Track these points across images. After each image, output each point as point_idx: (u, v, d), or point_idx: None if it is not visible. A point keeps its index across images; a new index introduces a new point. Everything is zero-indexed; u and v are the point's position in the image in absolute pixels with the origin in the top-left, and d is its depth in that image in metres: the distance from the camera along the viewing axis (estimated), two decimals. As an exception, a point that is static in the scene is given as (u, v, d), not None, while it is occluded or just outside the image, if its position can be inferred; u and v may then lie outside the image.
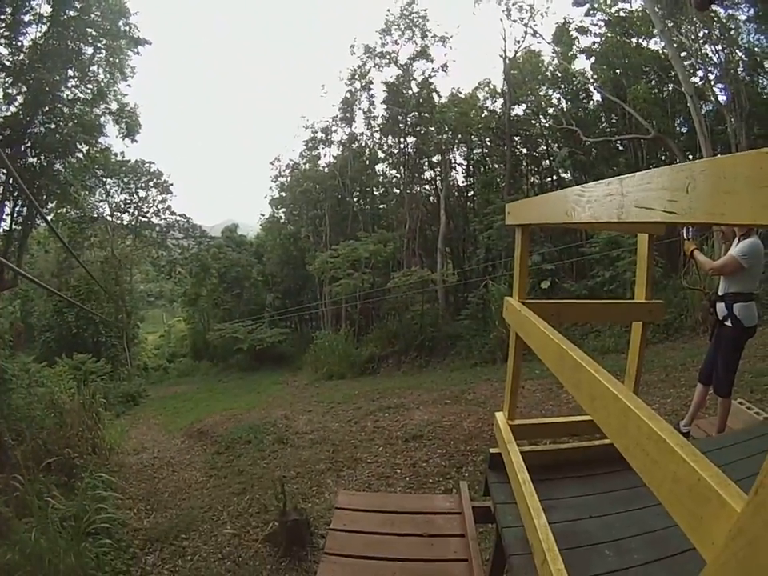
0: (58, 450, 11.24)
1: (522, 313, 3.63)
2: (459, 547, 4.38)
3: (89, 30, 16.32)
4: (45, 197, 15.99)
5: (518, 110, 29.73)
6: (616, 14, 24.99)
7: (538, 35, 27.95)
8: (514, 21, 27.80)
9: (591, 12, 25.62)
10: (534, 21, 27.80)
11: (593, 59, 26.53)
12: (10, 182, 15.11)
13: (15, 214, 15.88)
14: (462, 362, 20.77)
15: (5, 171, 14.92)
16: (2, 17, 14.16)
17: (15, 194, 15.58)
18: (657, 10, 20.16)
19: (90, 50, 16.68)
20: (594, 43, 26.27)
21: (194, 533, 9.09)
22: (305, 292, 36.26)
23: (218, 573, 7.78)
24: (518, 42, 28.49)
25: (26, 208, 16.07)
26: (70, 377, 19.18)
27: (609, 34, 25.44)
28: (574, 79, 27.39)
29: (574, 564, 2.66)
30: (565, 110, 28.08)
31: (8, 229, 15.63)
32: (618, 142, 26.00)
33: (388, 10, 30.95)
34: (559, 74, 28.07)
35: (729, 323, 5.63)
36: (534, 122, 29.59)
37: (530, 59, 29.08)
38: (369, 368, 23.95)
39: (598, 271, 20.46)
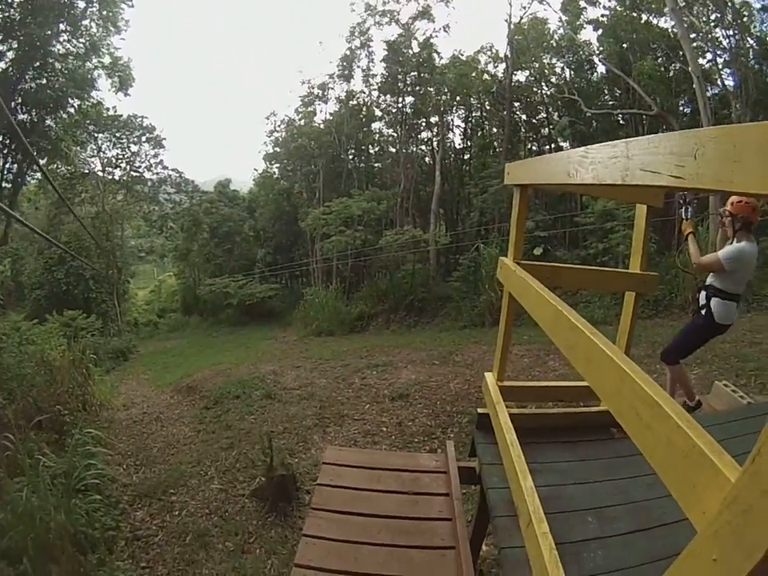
0: (49, 408, 11.23)
1: (517, 273, 3.64)
2: (444, 506, 4.39)
3: None
4: (36, 153, 15.74)
5: (520, 77, 29.52)
6: None
7: (545, 2, 27.50)
8: None
9: None
10: None
11: (600, 31, 26.18)
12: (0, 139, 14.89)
13: (5, 172, 15.67)
14: (452, 323, 20.88)
15: None
16: None
17: (5, 151, 15.36)
18: None
19: (82, 4, 16.43)
20: (602, 15, 25.91)
21: (182, 488, 9.15)
22: (296, 248, 36.12)
23: (205, 527, 7.83)
24: (524, 7, 28.11)
25: (16, 165, 15.89)
26: (61, 334, 19.13)
27: (618, 8, 25.07)
28: (579, 50, 27.09)
29: (556, 529, 2.66)
30: (568, 79, 27.87)
31: None
32: (620, 116, 25.80)
33: None
34: (564, 44, 27.72)
35: (703, 312, 5.64)
36: (535, 89, 29.41)
37: (535, 26, 28.58)
38: (358, 326, 24.08)
39: (591, 242, 20.47)
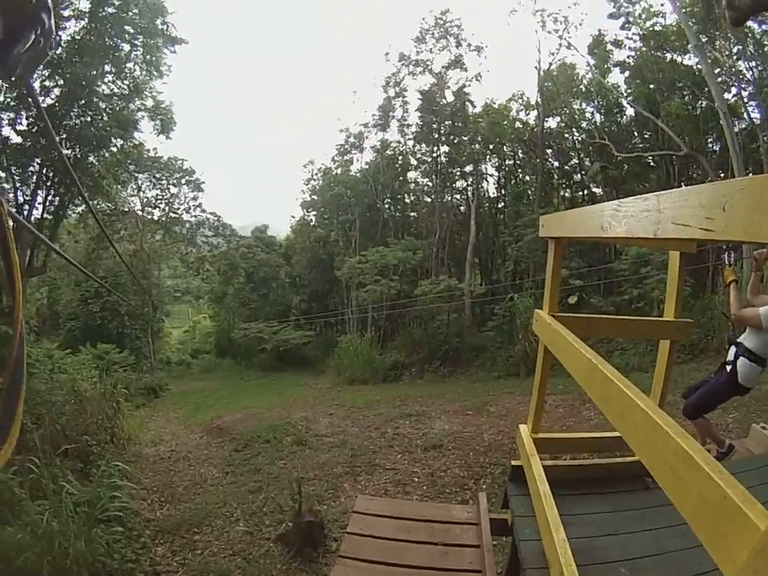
0: (76, 437, 11.36)
1: (553, 326, 3.60)
2: (474, 558, 4.34)
3: (126, 27, 16.50)
4: (78, 189, 16.13)
5: (552, 123, 29.66)
6: (651, 28, 24.61)
7: (572, 47, 27.74)
8: (549, 32, 27.71)
9: (626, 26, 25.24)
10: (569, 33, 27.69)
11: (627, 73, 26.25)
12: (44, 171, 15.26)
13: (47, 203, 16.05)
14: (486, 373, 20.75)
15: (39, 161, 15.09)
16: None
17: (48, 183, 15.75)
18: (691, 25, 19.89)
19: (126, 47, 16.86)
20: (628, 57, 26.02)
21: (206, 527, 9.11)
22: (331, 296, 36.29)
23: (228, 569, 7.76)
24: (553, 53, 28.46)
25: (57, 198, 16.24)
26: (93, 366, 19.27)
27: (643, 48, 25.07)
28: (607, 93, 27.05)
29: (588, 581, 2.62)
30: (598, 123, 27.88)
31: (39, 217, 15.79)
32: (650, 158, 25.67)
33: (423, 19, 30.80)
34: (593, 88, 27.80)
35: (728, 368, 5.54)
36: (566, 135, 29.46)
37: (564, 71, 28.84)
38: (392, 375, 23.96)
39: (626, 288, 20.26)
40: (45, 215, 16.25)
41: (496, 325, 22.97)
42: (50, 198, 16.20)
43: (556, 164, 30.41)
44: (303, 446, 13.15)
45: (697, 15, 20.56)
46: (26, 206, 15.19)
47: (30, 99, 11.92)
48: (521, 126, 30.78)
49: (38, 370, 13.59)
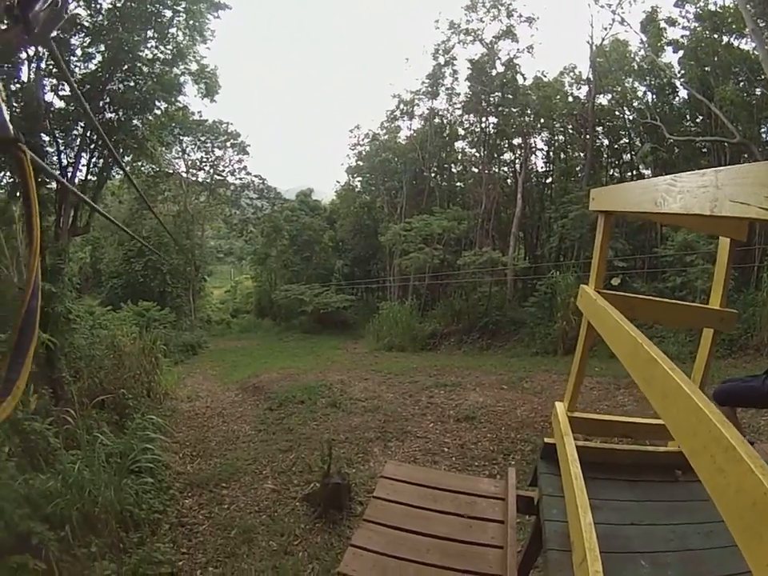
0: (114, 390, 11.66)
1: (598, 302, 3.51)
2: (497, 533, 4.28)
3: None
4: (121, 150, 16.27)
5: (603, 100, 28.85)
6: (706, 8, 23.61)
7: (625, 23, 26.91)
8: (602, 6, 26.84)
9: (680, 3, 24.32)
10: (622, 8, 26.78)
11: (681, 53, 25.18)
12: (87, 134, 15.39)
13: (91, 165, 16.23)
14: (524, 349, 20.58)
15: (83, 125, 15.23)
16: None
17: (92, 146, 15.89)
18: (749, 8, 19.10)
19: (168, 13, 16.76)
20: (682, 36, 25.02)
21: (234, 483, 9.27)
22: (374, 262, 36.28)
23: (252, 524, 7.88)
24: (605, 29, 27.65)
25: (101, 160, 16.40)
26: (134, 322, 19.65)
27: (698, 29, 24.11)
28: (660, 72, 26.12)
29: (608, 569, 2.53)
30: (650, 103, 27.04)
31: (83, 179, 15.98)
32: (702, 143, 24.92)
33: None
34: (646, 66, 26.87)
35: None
36: (617, 113, 28.67)
37: (617, 48, 28.07)
38: (430, 344, 23.93)
39: (669, 275, 19.81)
40: (89, 177, 16.40)
41: (537, 301, 22.62)
42: (93, 160, 16.33)
43: (606, 142, 29.67)
44: (337, 409, 13.32)
45: (755, -2, 19.69)
46: (70, 168, 15.31)
47: (54, 61, 11.88)
48: (572, 100, 30.13)
49: (79, 325, 13.81)
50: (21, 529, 5.69)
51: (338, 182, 41.94)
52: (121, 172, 18.37)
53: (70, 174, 15.18)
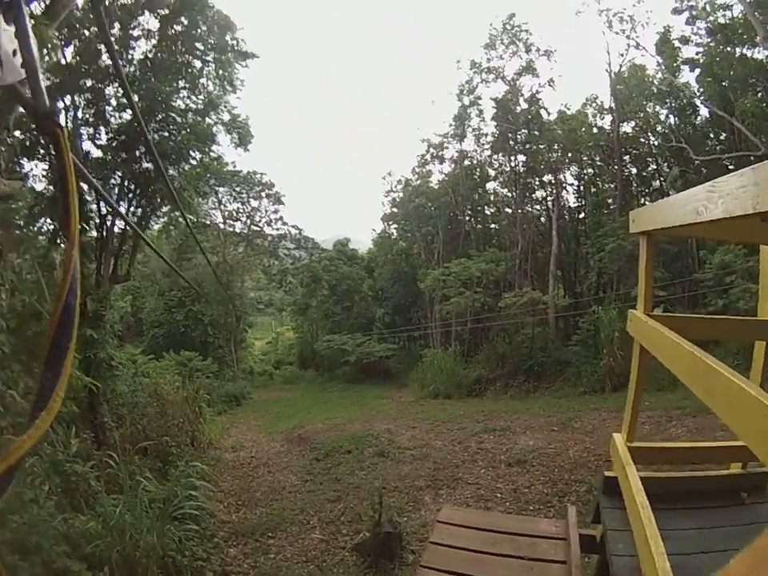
0: (157, 437, 11.68)
1: (649, 324, 3.43)
2: (560, 575, 4.10)
3: (196, 44, 16.87)
4: (159, 200, 16.62)
5: (627, 128, 28.89)
6: (716, 22, 23.53)
7: (641, 47, 26.94)
8: (616, 33, 27.06)
9: (691, 20, 24.31)
10: (636, 32, 26.87)
11: (697, 71, 25.18)
12: (125, 184, 15.72)
13: (130, 214, 16.53)
14: (571, 388, 20.30)
15: (120, 174, 15.68)
16: (112, 32, 14.80)
17: (130, 195, 16.23)
18: (757, 16, 18.97)
19: (198, 64, 17.22)
20: (697, 54, 24.95)
21: (281, 533, 9.12)
22: (415, 309, 36.18)
23: (299, 574, 7.75)
24: (622, 55, 27.70)
25: (140, 209, 16.74)
26: (176, 371, 19.68)
27: (711, 44, 24.04)
28: (680, 93, 26.11)
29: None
30: (673, 126, 26.96)
31: (123, 227, 16.29)
32: (728, 160, 24.58)
33: (490, 24, 30.57)
34: (665, 88, 26.85)
35: None
36: (642, 139, 28.60)
37: (634, 73, 28.14)
38: (476, 389, 23.62)
39: (710, 299, 19.43)
40: (127, 226, 16.73)
41: (580, 339, 22.41)
42: (131, 209, 16.66)
43: (634, 171, 29.56)
44: (385, 458, 13.15)
45: (763, 5, 19.49)
46: (109, 217, 15.60)
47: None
48: (596, 131, 30.14)
49: (121, 372, 13.96)
50: (57, 566, 5.60)
51: (374, 230, 42.36)
52: (159, 222, 18.71)
53: (109, 223, 15.43)
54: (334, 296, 38.02)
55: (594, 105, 30.73)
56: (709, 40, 24.12)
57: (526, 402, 19.81)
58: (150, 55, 16.26)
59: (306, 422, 19.08)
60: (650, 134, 28.33)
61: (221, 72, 18.33)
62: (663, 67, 26.39)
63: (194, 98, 17.81)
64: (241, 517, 10.01)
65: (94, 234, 14.86)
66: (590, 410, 15.78)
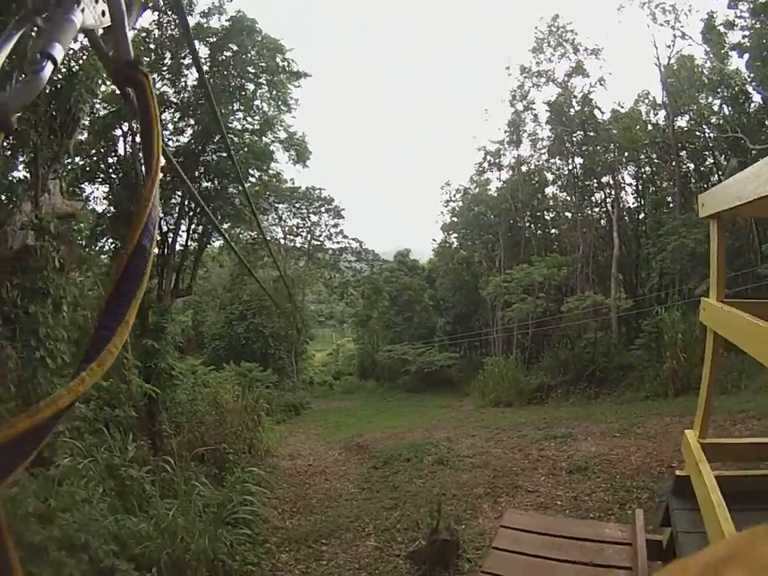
0: (214, 444, 11.84)
1: (725, 309, 3.22)
2: (626, 581, 3.84)
3: (248, 68, 17.16)
4: (220, 217, 16.94)
5: (681, 122, 28.26)
6: (758, 1, 22.52)
7: (687, 37, 26.48)
8: (661, 24, 26.63)
9: (732, 3, 23.48)
10: (680, 22, 26.47)
11: (746, 56, 24.18)
12: (185, 203, 16.06)
13: (191, 232, 16.91)
14: (633, 393, 19.87)
15: (180, 194, 16.22)
16: (163, 61, 15.24)
17: (191, 213, 16.58)
18: None
19: (251, 86, 17.56)
20: (743, 37, 24.16)
21: (335, 540, 9.07)
22: (476, 317, 35.85)
23: (351, 581, 7.64)
24: (669, 46, 27.29)
25: (201, 227, 17.07)
26: (236, 382, 19.89)
27: (757, 25, 23.14)
28: (730, 81, 25.30)
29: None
30: (727, 116, 26.17)
31: (184, 244, 16.65)
32: None
33: (536, 28, 30.54)
34: (715, 77, 26.07)
35: None
36: (698, 132, 27.84)
37: (683, 64, 27.41)
38: (537, 397, 23.34)
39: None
40: (189, 242, 17.07)
41: (643, 342, 22.03)
42: (193, 226, 17.01)
43: (692, 166, 28.92)
44: (444, 466, 13.05)
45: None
46: (170, 234, 16.00)
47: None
48: (651, 128, 29.58)
49: (181, 382, 14.21)
50: (104, 565, 5.64)
51: (434, 240, 42.17)
52: (220, 238, 19.04)
53: (170, 240, 15.91)
54: (395, 307, 38.05)
55: (646, 101, 30.27)
56: (754, 21, 23.31)
57: (588, 408, 19.48)
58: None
59: (365, 430, 19.09)
60: (704, 126, 27.56)
61: (274, 93, 18.67)
62: (711, 55, 25.80)
63: (249, 119, 18.16)
64: (295, 523, 10.01)
65: (156, 250, 15.26)
66: (653, 414, 15.38)
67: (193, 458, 10.53)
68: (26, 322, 6.74)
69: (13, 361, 6.45)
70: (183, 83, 16.28)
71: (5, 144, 7.21)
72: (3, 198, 7.51)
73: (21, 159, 8.17)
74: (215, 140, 16.38)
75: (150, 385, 10.90)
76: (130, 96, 0.96)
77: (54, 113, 8.13)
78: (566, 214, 33.24)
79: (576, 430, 15.04)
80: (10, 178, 7.82)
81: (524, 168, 33.63)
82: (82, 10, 0.78)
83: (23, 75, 0.68)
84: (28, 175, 8.01)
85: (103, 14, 0.87)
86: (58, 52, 0.71)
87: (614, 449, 12.36)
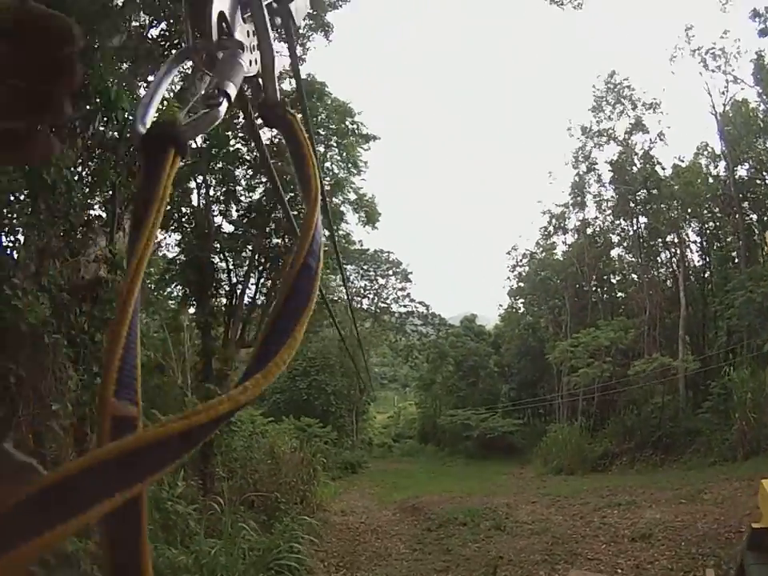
0: (266, 492, 11.81)
1: None
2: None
3: (318, 130, 17.59)
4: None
5: (741, 171, 27.59)
6: None
7: (739, 80, 26.26)
8: (713, 71, 26.56)
9: None
10: (731, 65, 26.32)
11: None
12: (255, 257, 16.43)
13: (260, 285, 17.30)
14: (700, 459, 19.30)
15: (251, 248, 16.99)
16: (236, 121, 15.96)
17: (260, 268, 16.94)
18: None
19: (321, 148, 17.96)
20: None
21: (380, 598, 8.88)
22: (541, 384, 35.32)
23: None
24: (723, 93, 27.07)
25: (270, 281, 17.44)
26: (294, 435, 19.91)
27: None
28: None
29: None
30: None
31: (252, 297, 17.01)
32: None
33: (593, 86, 30.84)
34: None
35: None
36: (758, 180, 27.07)
37: (738, 110, 27.07)
38: (601, 464, 22.86)
39: None
40: (257, 296, 17.42)
41: (711, 405, 21.47)
42: (262, 280, 17.36)
43: (754, 217, 27.90)
44: (501, 531, 12.86)
45: None
46: (239, 286, 16.37)
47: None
48: (712, 180, 29.03)
49: (239, 428, 14.33)
50: None
51: (500, 305, 41.98)
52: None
53: (239, 291, 16.45)
54: (460, 372, 37.64)
55: (705, 153, 29.79)
56: None
57: (653, 475, 18.99)
58: (275, 140, 17.33)
59: (421, 493, 18.81)
60: (764, 173, 26.97)
61: (344, 155, 19.06)
62: (764, 96, 25.53)
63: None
64: (340, 577, 9.87)
65: (224, 300, 16.08)
66: (721, 480, 14.95)
67: (242, 502, 10.58)
68: (92, 349, 6.96)
69: (73, 382, 6.66)
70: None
71: (85, 181, 7.81)
72: (78, 231, 7.76)
73: (98, 197, 8.63)
74: (287, 198, 16.88)
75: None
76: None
77: (133, 156, 8.31)
78: (632, 275, 32.81)
79: (640, 497, 14.66)
80: (87, 216, 8.13)
81: (589, 230, 33.50)
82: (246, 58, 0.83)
83: (203, 109, 0.71)
84: (103, 214, 8.43)
85: (253, 62, 0.91)
86: (232, 91, 0.75)
87: (679, 515, 12.01)
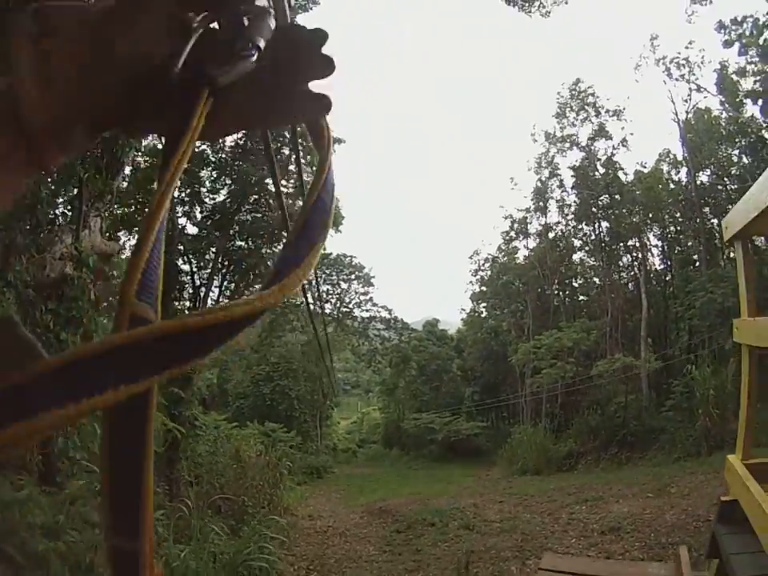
0: (233, 497, 11.75)
1: (758, 321, 3.34)
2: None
3: (284, 132, 17.70)
4: (252, 276, 17.18)
5: (703, 177, 28.45)
6: (766, 43, 23.06)
7: (702, 89, 27.13)
8: (677, 79, 27.35)
9: (743, 50, 24.14)
10: (695, 74, 27.17)
11: (760, 101, 24.48)
12: (219, 259, 16.37)
13: (223, 288, 17.16)
14: (665, 456, 19.57)
15: (214, 250, 16.85)
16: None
17: (224, 271, 16.82)
18: None
19: (287, 151, 17.99)
20: (755, 82, 24.54)
21: (350, 600, 8.86)
22: (504, 387, 35.32)
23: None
24: (686, 101, 27.86)
25: (233, 284, 17.34)
26: (259, 440, 19.85)
27: (767, 69, 23.59)
28: (747, 129, 25.64)
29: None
30: (746, 166, 26.06)
31: (216, 299, 16.94)
32: None
33: (558, 93, 31.50)
34: (732, 128, 26.49)
35: None
36: (719, 186, 28.00)
37: (701, 117, 27.85)
38: (566, 464, 23.02)
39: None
40: (221, 299, 17.32)
41: (674, 403, 21.86)
42: (225, 283, 17.25)
43: (715, 221, 28.02)
44: (470, 531, 12.88)
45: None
46: (203, 289, 16.27)
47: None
48: (674, 186, 29.88)
49: (204, 433, 14.46)
50: None
51: (463, 309, 42.21)
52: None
53: (202, 294, 16.41)
54: (423, 376, 37.84)
55: (668, 159, 30.58)
56: (765, 66, 23.89)
57: (619, 473, 19.17)
58: (240, 142, 17.25)
59: (388, 496, 18.82)
60: (725, 179, 27.86)
61: (308, 158, 19.17)
62: (727, 105, 26.32)
63: (284, 182, 18.62)
64: (310, 580, 9.80)
65: (188, 303, 16.20)
66: (687, 474, 15.27)
67: (209, 506, 10.42)
68: (57, 347, 6.82)
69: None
70: (221, 143, 16.72)
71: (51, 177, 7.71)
72: (45, 227, 7.72)
73: (64, 194, 8.69)
74: (251, 200, 16.72)
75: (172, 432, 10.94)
76: None
77: (100, 152, 8.43)
78: (594, 279, 33.33)
79: (607, 493, 14.80)
80: (53, 213, 8.17)
81: (551, 235, 33.97)
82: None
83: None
84: (69, 212, 8.46)
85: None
86: (263, 45, 0.71)
87: (647, 509, 12.16)
